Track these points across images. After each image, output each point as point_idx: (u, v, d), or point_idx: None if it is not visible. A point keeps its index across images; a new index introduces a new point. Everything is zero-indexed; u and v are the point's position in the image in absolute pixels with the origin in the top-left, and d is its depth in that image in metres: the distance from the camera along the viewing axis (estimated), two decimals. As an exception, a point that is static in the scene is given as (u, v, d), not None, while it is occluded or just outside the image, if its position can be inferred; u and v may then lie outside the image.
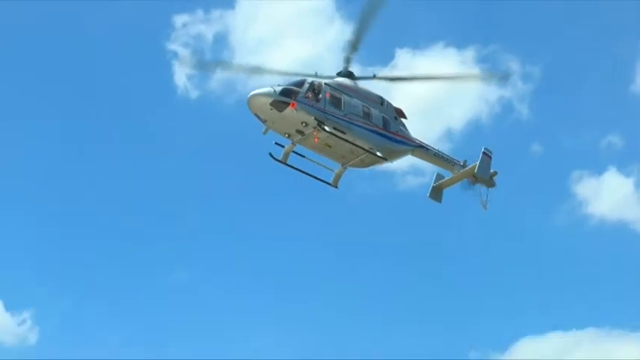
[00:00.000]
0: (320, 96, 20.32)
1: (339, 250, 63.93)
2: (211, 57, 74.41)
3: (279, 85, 20.04)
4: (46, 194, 65.95)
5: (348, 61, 22.34)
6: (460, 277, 67.13)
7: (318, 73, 21.84)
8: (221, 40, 67.82)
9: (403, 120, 23.65)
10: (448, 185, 24.59)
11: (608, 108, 73.67)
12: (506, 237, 69.30)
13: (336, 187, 22.35)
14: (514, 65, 66.52)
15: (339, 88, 21.40)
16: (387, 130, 22.35)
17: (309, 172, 21.91)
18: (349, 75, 22.17)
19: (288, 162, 21.32)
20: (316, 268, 62.20)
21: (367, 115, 21.67)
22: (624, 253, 67.59)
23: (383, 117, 22.28)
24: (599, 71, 74.79)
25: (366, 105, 21.87)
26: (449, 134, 62.98)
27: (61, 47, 69.87)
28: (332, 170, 22.33)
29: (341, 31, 62.32)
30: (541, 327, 64.76)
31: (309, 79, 20.54)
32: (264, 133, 20.77)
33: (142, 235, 63.44)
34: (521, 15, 76.40)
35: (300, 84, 20.17)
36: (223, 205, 66.25)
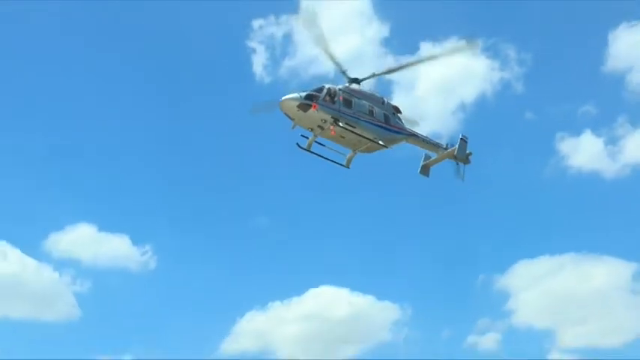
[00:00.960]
0: (335, 99, 25.39)
1: (362, 205, 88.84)
2: (280, 51, 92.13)
3: (303, 92, 24.97)
4: (167, 158, 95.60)
5: (345, 73, 27.30)
6: (465, 215, 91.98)
7: (346, 72, 27.20)
8: (288, 38, 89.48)
9: (399, 115, 28.63)
10: (434, 164, 29.77)
11: (584, 84, 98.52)
12: (505, 183, 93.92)
13: (349, 167, 27.70)
14: (511, 53, 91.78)
15: (350, 92, 26.43)
16: (387, 124, 27.57)
17: (328, 157, 27.20)
18: (355, 81, 27.15)
19: (311, 150, 26.36)
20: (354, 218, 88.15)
21: (371, 113, 26.86)
22: (596, 196, 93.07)
23: (384, 114, 27.48)
24: (577, 56, 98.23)
25: (371, 105, 27.03)
26: (462, 106, 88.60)
27: (168, 40, 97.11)
28: (344, 155, 27.66)
29: (378, 29, 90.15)
30: (533, 252, 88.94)
31: (327, 86, 25.51)
32: (292, 128, 25.69)
33: (232, 187, 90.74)
34: (516, 12, 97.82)
35: (320, 90, 25.17)
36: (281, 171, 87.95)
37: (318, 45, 26.16)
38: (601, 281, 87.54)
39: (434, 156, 29.35)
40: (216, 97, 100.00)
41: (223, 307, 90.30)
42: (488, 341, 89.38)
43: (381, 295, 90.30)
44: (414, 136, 28.14)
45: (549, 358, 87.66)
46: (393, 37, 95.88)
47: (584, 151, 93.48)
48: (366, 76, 27.47)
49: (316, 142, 26.02)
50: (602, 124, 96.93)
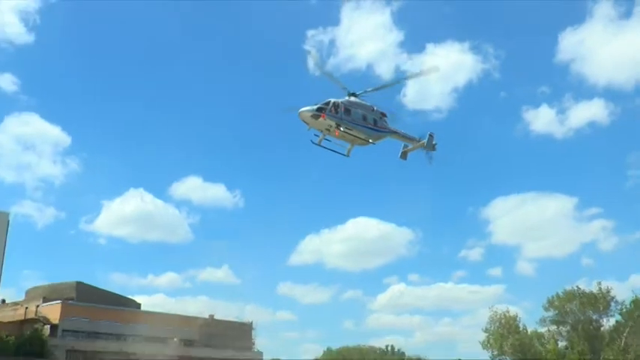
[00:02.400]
0: (338, 110, 33.62)
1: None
2: (326, 52, 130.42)
3: (315, 105, 33.27)
4: (248, 130, 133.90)
5: (346, 89, 35.62)
6: (457, 166, 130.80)
7: (346, 89, 36.02)
8: (332, 43, 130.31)
9: (385, 118, 36.88)
10: (410, 151, 39.00)
11: (541, 71, 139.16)
12: (486, 143, 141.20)
13: (348, 156, 36.33)
14: (490, 50, 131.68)
15: (349, 104, 34.41)
16: (376, 126, 35.69)
17: (333, 149, 35.75)
18: (354, 94, 35.54)
19: (321, 144, 34.96)
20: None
21: (364, 118, 34.97)
22: (550, 150, 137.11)
23: (374, 118, 35.47)
24: (537, 51, 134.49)
25: (364, 112, 35.21)
26: (456, 88, 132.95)
27: (253, 45, 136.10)
28: (345, 147, 36.11)
29: (396, 35, 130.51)
30: (506, 191, 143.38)
31: (332, 100, 33.52)
32: (308, 129, 34.20)
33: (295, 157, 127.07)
34: (492, 20, 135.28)
35: (327, 103, 33.26)
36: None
37: (325, 74, 36.95)
38: (553, 211, 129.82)
39: (410, 146, 39.14)
40: (285, 84, 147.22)
41: (290, 232, 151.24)
42: (475, 254, 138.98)
43: (400, 223, 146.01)
44: (395, 133, 37.70)
45: (517, 268, 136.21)
46: (406, 40, 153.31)
47: (541, 119, 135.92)
48: (360, 91, 36.06)
49: (325, 139, 34.72)
50: (554, 100, 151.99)
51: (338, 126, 33.31)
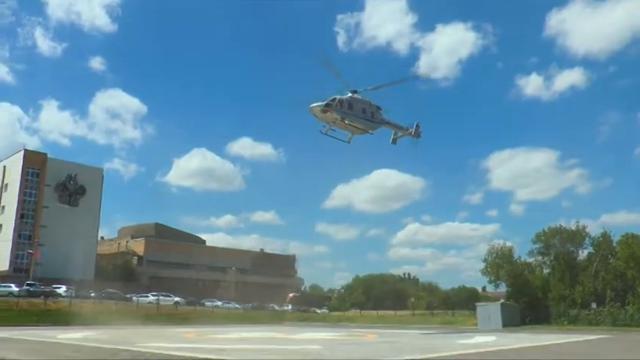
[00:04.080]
0: (343, 105, 35.82)
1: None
2: (353, 34, 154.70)
3: (324, 101, 35.21)
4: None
5: (348, 86, 37.42)
6: (462, 123, 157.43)
7: (349, 86, 37.69)
8: (357, 26, 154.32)
9: (380, 111, 39.08)
10: (399, 137, 41.87)
11: (530, 46, 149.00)
12: (486, 105, 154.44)
13: (349, 143, 38.53)
14: (489, 28, 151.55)
15: (351, 100, 36.70)
16: (373, 118, 38.30)
17: (338, 137, 37.73)
18: (355, 91, 37.34)
19: (328, 134, 36.95)
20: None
21: (364, 112, 37.42)
22: (538, 112, 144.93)
23: (372, 112, 38.06)
24: (527, 29, 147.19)
25: (364, 107, 37.48)
26: (460, 61, 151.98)
27: (291, 29, 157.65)
28: (346, 135, 38.09)
29: (410, 18, 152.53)
30: (502, 146, 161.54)
31: (338, 97, 35.79)
32: (318, 122, 36.17)
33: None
34: (490, 0, 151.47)
35: (333, 100, 35.53)
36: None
37: (335, 75, 37.63)
38: (539, 162, 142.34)
39: (399, 134, 41.98)
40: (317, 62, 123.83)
41: (324, 182, 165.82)
42: (476, 198, 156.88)
43: (414, 173, 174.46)
44: (388, 123, 40.56)
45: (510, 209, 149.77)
46: (419, 21, 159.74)
47: (531, 85, 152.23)
48: (361, 89, 38.28)
49: (331, 129, 36.84)
50: (542, 69, 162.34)
51: (342, 119, 35.73)
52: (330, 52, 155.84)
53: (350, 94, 37.21)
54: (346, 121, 36.18)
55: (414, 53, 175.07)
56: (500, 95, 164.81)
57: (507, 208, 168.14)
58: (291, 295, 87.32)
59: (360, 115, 37.17)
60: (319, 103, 35.42)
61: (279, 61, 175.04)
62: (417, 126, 42.18)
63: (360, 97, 37.64)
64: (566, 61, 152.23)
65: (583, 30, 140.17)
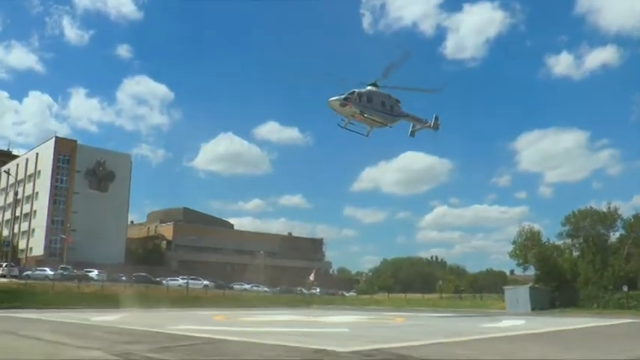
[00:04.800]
0: (362, 98, 35.20)
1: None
2: (378, 15, 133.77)
3: (342, 94, 34.67)
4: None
5: (365, 83, 36.92)
6: (490, 105, 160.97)
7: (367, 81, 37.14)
8: (382, 7, 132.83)
9: (399, 104, 38.47)
10: (418, 130, 41.40)
11: (560, 23, 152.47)
12: (514, 84, 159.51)
13: (368, 136, 38.17)
14: (517, 7, 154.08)
15: (370, 93, 35.99)
16: (392, 111, 37.66)
17: (356, 131, 37.44)
18: (374, 84, 36.62)
19: (347, 127, 36.43)
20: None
21: (383, 105, 36.65)
22: (568, 91, 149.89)
23: (390, 105, 37.37)
24: (556, 5, 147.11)
25: (383, 100, 36.70)
26: (488, 40, 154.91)
27: (319, 11, 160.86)
28: (365, 129, 37.72)
29: None
30: (530, 127, 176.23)
31: (357, 91, 35.15)
32: (337, 115, 35.73)
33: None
34: None
35: (352, 93, 34.88)
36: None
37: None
38: (569, 143, 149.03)
39: (418, 126, 41.38)
40: (345, 41, 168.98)
41: (352, 164, 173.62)
42: (504, 180, 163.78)
43: (441, 155, 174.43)
44: (407, 116, 40.09)
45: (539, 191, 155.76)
46: (445, 1, 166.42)
47: (561, 64, 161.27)
48: (382, 84, 37.35)
49: (349, 122, 36.38)
50: (572, 47, 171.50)
51: (361, 113, 35.20)
52: (356, 34, 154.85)
53: (369, 87, 36.63)
54: (365, 115, 35.61)
55: (441, 34, 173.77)
56: (528, 75, 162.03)
57: (536, 190, 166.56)
58: (312, 276, 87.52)
59: (379, 109, 36.55)
60: (338, 97, 34.91)
61: (304, 45, 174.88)
62: (435, 118, 41.78)
63: (379, 89, 36.91)
64: (598, 38, 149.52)
65: (615, 7, 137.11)
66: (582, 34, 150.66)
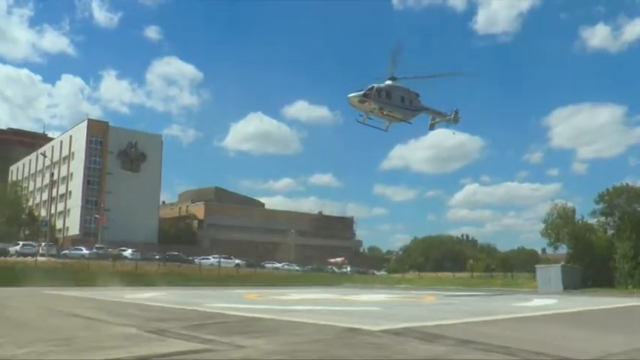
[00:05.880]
0: (381, 94, 34.80)
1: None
2: None
3: (361, 90, 34.20)
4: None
5: (389, 76, 36.41)
6: (522, 78, 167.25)
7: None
8: None
9: (418, 98, 38.09)
10: (437, 123, 40.50)
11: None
12: (549, 58, 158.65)
13: (387, 130, 37.84)
14: None
15: (390, 88, 35.48)
16: (411, 106, 37.28)
17: (375, 126, 36.86)
18: (393, 78, 36.01)
19: (366, 122, 36.03)
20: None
21: (403, 100, 36.14)
22: (604, 64, 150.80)
23: (410, 100, 36.92)
24: None
25: (402, 95, 36.12)
26: (521, 13, 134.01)
27: None
28: (384, 124, 37.15)
29: None
30: (564, 102, 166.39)
31: (375, 86, 34.57)
32: (356, 109, 35.06)
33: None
34: None
35: (371, 89, 34.26)
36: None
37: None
38: (604, 118, 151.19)
39: (437, 119, 40.47)
40: (374, 17, 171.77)
41: (382, 142, 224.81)
42: (536, 157, 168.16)
43: (473, 132, 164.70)
44: (427, 110, 39.31)
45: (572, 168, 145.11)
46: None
47: (597, 36, 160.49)
48: (400, 76, 36.86)
49: (368, 118, 35.93)
50: (609, 18, 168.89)
51: (381, 109, 35.02)
52: (385, 10, 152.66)
53: (388, 82, 35.91)
54: (385, 112, 35.16)
55: (472, 8, 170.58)
56: (563, 48, 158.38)
57: (569, 166, 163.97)
58: (341, 259, 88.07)
59: (399, 104, 36.08)
60: (357, 93, 34.51)
61: (333, 24, 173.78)
62: (455, 112, 41.01)
63: (398, 84, 36.01)
64: (637, 8, 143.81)
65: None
66: (620, 4, 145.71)
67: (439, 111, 40.63)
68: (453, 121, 40.42)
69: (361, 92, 34.45)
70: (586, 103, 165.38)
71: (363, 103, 34.33)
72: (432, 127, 41.29)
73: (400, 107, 36.24)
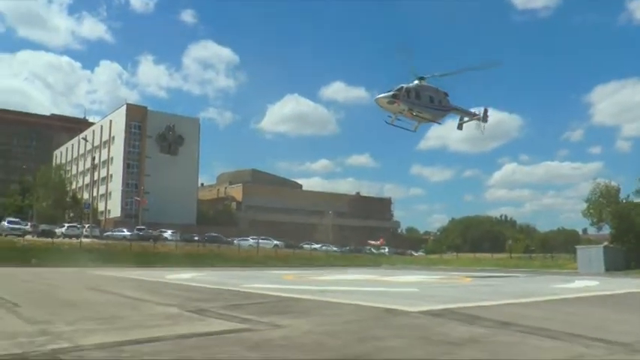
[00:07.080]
0: (410, 94, 34.33)
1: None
2: None
3: (390, 91, 34.12)
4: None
5: (417, 75, 35.98)
6: (562, 58, 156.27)
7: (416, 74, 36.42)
8: None
9: (447, 97, 37.66)
10: (466, 122, 40.76)
11: None
12: (589, 35, 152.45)
13: (415, 131, 38.14)
14: None
15: (419, 88, 35.08)
16: (440, 105, 36.81)
17: (404, 127, 36.61)
18: (422, 78, 35.70)
19: (394, 124, 35.64)
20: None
21: (432, 100, 35.83)
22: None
23: (439, 100, 36.53)
24: None
25: (431, 95, 35.79)
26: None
27: None
28: (412, 124, 37.01)
29: None
30: (606, 79, 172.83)
31: (404, 86, 34.26)
32: (384, 110, 34.87)
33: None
34: None
35: (400, 89, 34.05)
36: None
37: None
38: None
39: (466, 118, 40.72)
40: (407, 9, 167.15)
41: None
42: (577, 135, 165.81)
43: (511, 111, 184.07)
44: (456, 109, 39.28)
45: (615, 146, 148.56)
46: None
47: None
48: (428, 75, 36.57)
49: (397, 118, 35.64)
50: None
51: (410, 110, 34.71)
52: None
53: (417, 82, 35.59)
54: (414, 113, 34.95)
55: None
56: (607, 22, 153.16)
57: (612, 144, 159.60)
58: (380, 241, 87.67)
59: (428, 105, 35.75)
60: (386, 94, 34.31)
61: (370, 5, 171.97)
62: (484, 111, 41.20)
63: (427, 83, 35.85)
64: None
65: None
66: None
67: (468, 110, 40.71)
68: (482, 120, 40.40)
69: (390, 93, 34.33)
70: (631, 79, 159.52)
71: (392, 104, 34.06)
72: (460, 127, 41.13)
73: (429, 107, 35.96)
